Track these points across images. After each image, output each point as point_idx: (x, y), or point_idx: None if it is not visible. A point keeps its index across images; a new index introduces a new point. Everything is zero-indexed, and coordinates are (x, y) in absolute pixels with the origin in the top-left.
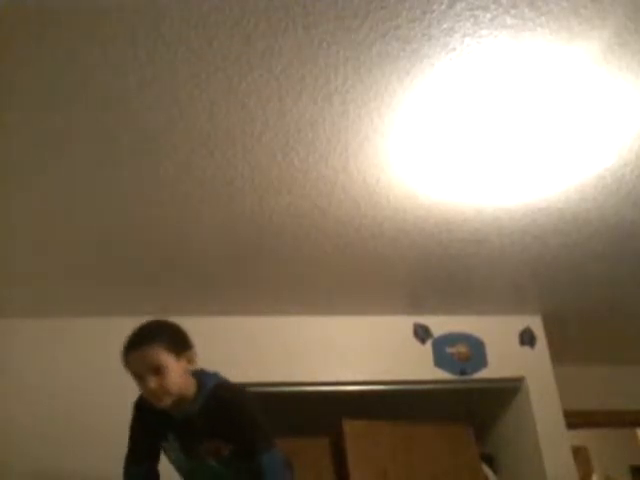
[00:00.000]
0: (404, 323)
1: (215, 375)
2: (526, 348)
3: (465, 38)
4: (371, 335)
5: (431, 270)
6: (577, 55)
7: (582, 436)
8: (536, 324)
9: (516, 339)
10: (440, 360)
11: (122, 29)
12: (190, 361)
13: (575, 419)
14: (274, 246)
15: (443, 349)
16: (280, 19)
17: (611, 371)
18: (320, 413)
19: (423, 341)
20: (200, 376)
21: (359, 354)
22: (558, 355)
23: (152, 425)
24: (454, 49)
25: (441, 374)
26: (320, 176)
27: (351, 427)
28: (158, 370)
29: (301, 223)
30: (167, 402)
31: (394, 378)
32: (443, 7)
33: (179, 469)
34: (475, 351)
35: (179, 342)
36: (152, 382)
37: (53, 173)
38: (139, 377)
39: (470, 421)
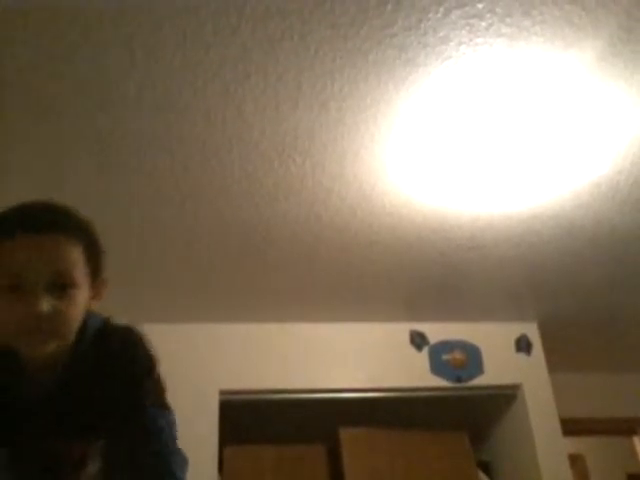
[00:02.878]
0: (400, 330)
1: (101, 316)
2: (522, 355)
3: (461, 46)
4: (367, 342)
5: (427, 277)
6: (571, 63)
7: (579, 444)
8: (532, 331)
9: (512, 346)
10: (436, 367)
11: (120, 35)
12: (98, 296)
13: (572, 426)
14: (270, 253)
15: (439, 356)
16: (277, 27)
17: (608, 378)
18: (316, 420)
19: (419, 348)
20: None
21: (355, 361)
22: (554, 362)
23: None
24: (450, 57)
25: (437, 381)
26: (316, 183)
27: (347, 434)
28: (64, 287)
29: (297, 230)
30: (47, 349)
31: (390, 385)
32: (439, 15)
33: None
34: (471, 358)
35: (100, 257)
36: (46, 303)
37: (49, 176)
38: (16, 286)
39: (466, 428)
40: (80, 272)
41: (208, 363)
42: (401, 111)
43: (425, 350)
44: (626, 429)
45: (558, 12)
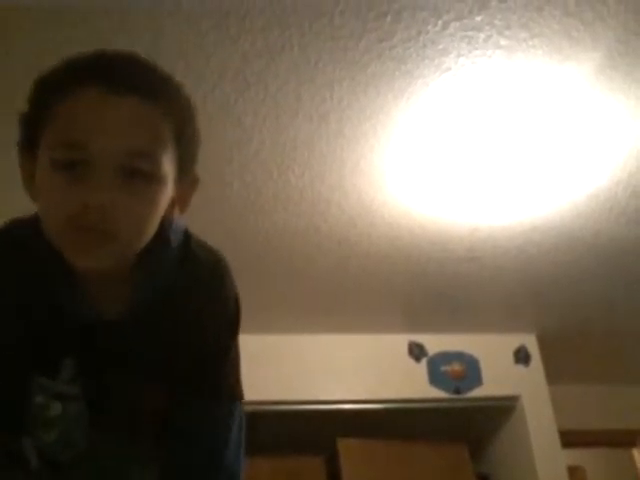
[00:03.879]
0: (399, 341)
1: (183, 228)
2: (521, 366)
3: (459, 58)
4: (366, 353)
5: (426, 288)
6: (569, 76)
7: (578, 456)
8: (531, 342)
9: (511, 357)
10: (435, 378)
11: (120, 46)
12: (184, 200)
13: (571, 438)
14: (269, 264)
15: (438, 367)
16: (277, 39)
17: (607, 390)
18: (315, 432)
19: (418, 359)
20: (165, 229)
21: (354, 372)
22: (553, 373)
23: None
24: (449, 69)
25: (436, 392)
26: (316, 194)
27: (346, 446)
28: (140, 175)
29: (296, 240)
30: (102, 260)
31: (389, 396)
32: (438, 28)
33: (58, 450)
34: (470, 369)
35: (195, 145)
36: (112, 193)
37: None
38: (75, 163)
39: (465, 440)
40: (166, 159)
41: None
42: (400, 122)
43: (424, 361)
44: (625, 441)
45: (556, 25)
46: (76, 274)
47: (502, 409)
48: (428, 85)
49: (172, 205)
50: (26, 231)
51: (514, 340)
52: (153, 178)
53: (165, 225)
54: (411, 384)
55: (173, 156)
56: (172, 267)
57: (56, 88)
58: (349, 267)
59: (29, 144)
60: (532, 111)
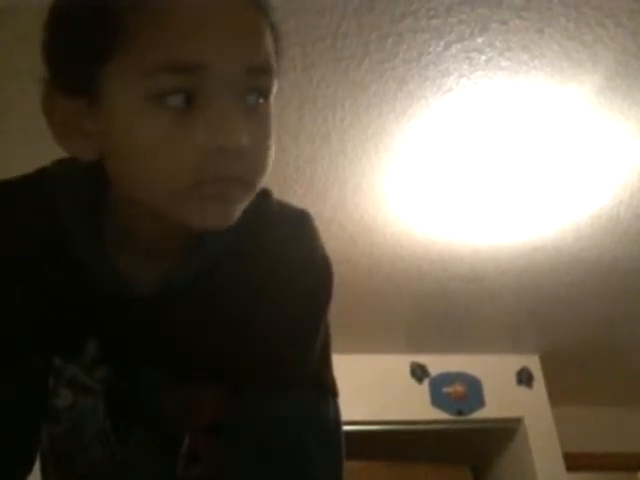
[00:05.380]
0: (401, 362)
1: None
2: (523, 388)
3: (461, 79)
4: (367, 374)
5: (428, 308)
6: (570, 97)
7: (582, 479)
8: (533, 363)
9: (513, 379)
10: (437, 400)
11: None
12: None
13: (575, 461)
14: None
15: (440, 388)
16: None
17: (612, 412)
18: None
19: (420, 380)
20: None
21: (355, 393)
22: (557, 395)
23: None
24: (450, 90)
25: (438, 414)
26: (317, 213)
27: (347, 468)
28: (263, 97)
29: None
30: (237, 214)
31: (390, 418)
32: (439, 49)
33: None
34: (472, 391)
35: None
36: (246, 126)
37: None
38: (192, 94)
39: (468, 462)
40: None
41: None
42: (402, 142)
43: (426, 382)
44: (631, 465)
45: (557, 47)
46: (107, 239)
47: (505, 431)
48: (430, 106)
49: None
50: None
51: (516, 361)
52: (268, 100)
53: None
54: (413, 405)
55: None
56: (238, 228)
57: None
58: (350, 287)
59: (76, 75)
60: (533, 131)
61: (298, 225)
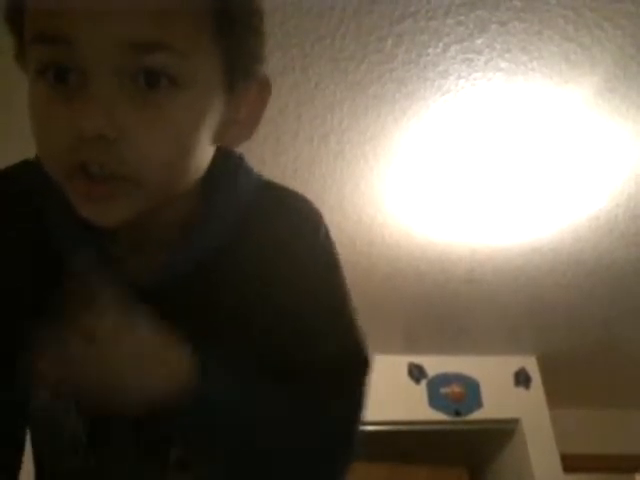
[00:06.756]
0: (398, 362)
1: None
2: (521, 389)
3: (460, 80)
4: None
5: (426, 309)
6: (568, 98)
7: None
8: (531, 365)
9: (511, 380)
10: (434, 400)
11: None
12: (249, 117)
13: (572, 463)
14: None
15: (437, 389)
16: (278, 60)
17: (609, 414)
18: None
19: (417, 381)
20: (223, 164)
21: None
22: (554, 397)
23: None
24: (449, 91)
25: (435, 415)
26: None
27: None
28: (154, 78)
29: None
30: (109, 211)
31: (388, 418)
32: (438, 50)
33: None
34: (470, 391)
35: (256, 32)
36: (110, 110)
37: None
38: (64, 72)
39: (465, 463)
40: (199, 52)
41: None
42: (401, 144)
43: (423, 383)
44: (628, 466)
45: (555, 49)
46: (94, 229)
47: (502, 432)
48: (429, 107)
49: (228, 127)
50: (35, 175)
51: (514, 362)
52: (175, 81)
53: (221, 158)
54: (410, 406)
55: (214, 48)
56: (234, 217)
57: None
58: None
59: (16, 49)
60: (532, 133)
61: (305, 219)
